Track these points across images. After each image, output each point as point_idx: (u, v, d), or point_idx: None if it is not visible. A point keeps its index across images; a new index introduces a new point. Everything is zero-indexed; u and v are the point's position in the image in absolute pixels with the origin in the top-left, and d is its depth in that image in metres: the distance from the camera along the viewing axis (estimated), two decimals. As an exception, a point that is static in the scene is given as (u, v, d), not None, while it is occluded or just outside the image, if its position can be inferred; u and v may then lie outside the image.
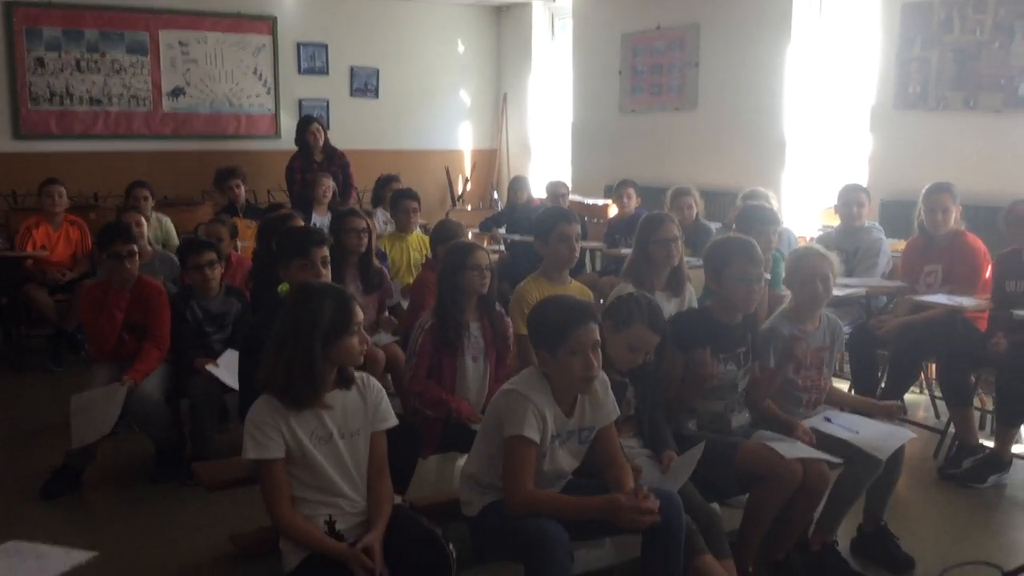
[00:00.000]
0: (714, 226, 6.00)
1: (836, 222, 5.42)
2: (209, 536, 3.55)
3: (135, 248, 4.30)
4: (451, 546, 2.42)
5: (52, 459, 4.09)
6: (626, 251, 4.92)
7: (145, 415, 4.02)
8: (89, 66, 7.97)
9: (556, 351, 2.54)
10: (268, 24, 8.69)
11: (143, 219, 5.72)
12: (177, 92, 8.36)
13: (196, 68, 8.41)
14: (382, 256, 5.28)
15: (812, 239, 5.73)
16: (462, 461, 3.38)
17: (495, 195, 9.82)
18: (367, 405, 2.56)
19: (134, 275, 4.28)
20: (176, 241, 6.31)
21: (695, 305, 3.92)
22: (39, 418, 5.06)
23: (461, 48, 9.80)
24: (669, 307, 3.73)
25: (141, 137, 8.20)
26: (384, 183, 7.31)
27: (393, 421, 2.61)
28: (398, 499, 2.62)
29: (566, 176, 8.71)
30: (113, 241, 4.24)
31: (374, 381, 2.62)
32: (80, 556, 1.73)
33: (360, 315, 2.49)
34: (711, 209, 6.45)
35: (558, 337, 2.53)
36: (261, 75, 8.71)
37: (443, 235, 4.73)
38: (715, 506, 2.97)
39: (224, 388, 4.00)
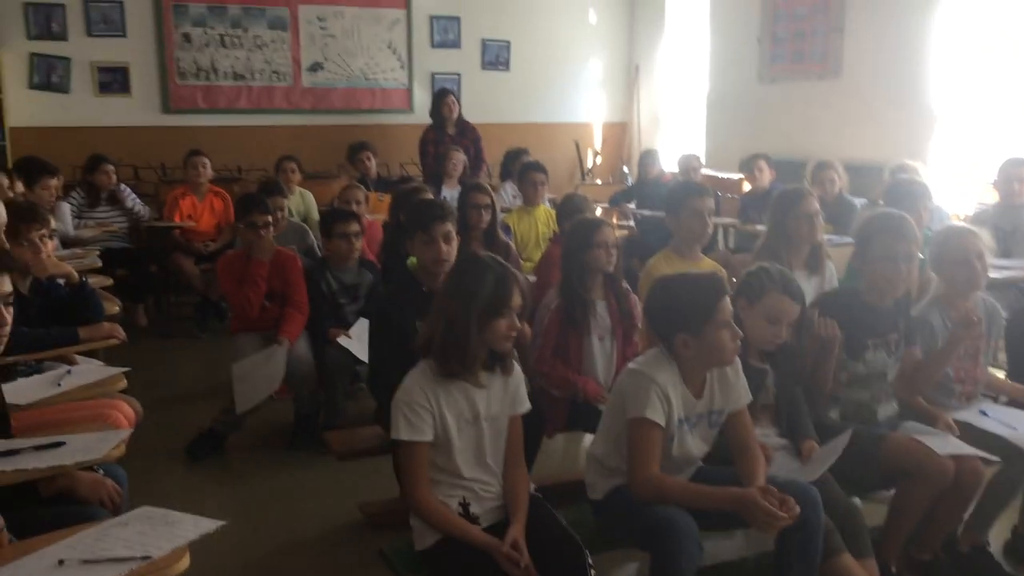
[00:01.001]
0: (859, 202, 5.70)
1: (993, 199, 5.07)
2: (338, 504, 3.63)
3: (271, 219, 4.43)
4: (589, 555, 2.35)
5: (197, 421, 4.28)
6: (761, 228, 4.73)
7: (301, 376, 4.15)
8: (233, 42, 8.23)
9: (702, 329, 2.43)
10: (402, -2, 8.77)
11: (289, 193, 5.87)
12: (316, 67, 8.54)
13: (333, 43, 8.57)
14: (507, 230, 5.26)
15: (966, 217, 5.37)
16: (588, 442, 3.33)
17: (625, 169, 9.65)
18: (508, 387, 2.53)
19: (272, 245, 4.42)
20: (316, 216, 6.48)
21: (835, 286, 3.73)
22: (185, 382, 5.31)
23: (593, 19, 9.64)
24: (808, 286, 3.55)
25: (281, 112, 8.43)
26: (513, 157, 7.30)
27: (528, 406, 2.58)
28: (532, 487, 2.58)
29: (700, 149, 8.47)
30: (251, 211, 4.37)
31: (515, 363, 2.59)
32: (209, 524, 1.76)
33: (517, 300, 2.43)
34: (855, 184, 6.13)
35: (705, 313, 2.42)
36: (395, 49, 8.81)
37: (569, 210, 4.66)
38: (856, 501, 2.81)
39: (356, 359, 4.08)
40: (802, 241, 3.68)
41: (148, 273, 6.37)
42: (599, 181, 9.43)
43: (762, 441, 2.69)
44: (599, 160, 9.70)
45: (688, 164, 7.19)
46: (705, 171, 7.59)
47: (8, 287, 2.23)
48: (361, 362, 3.99)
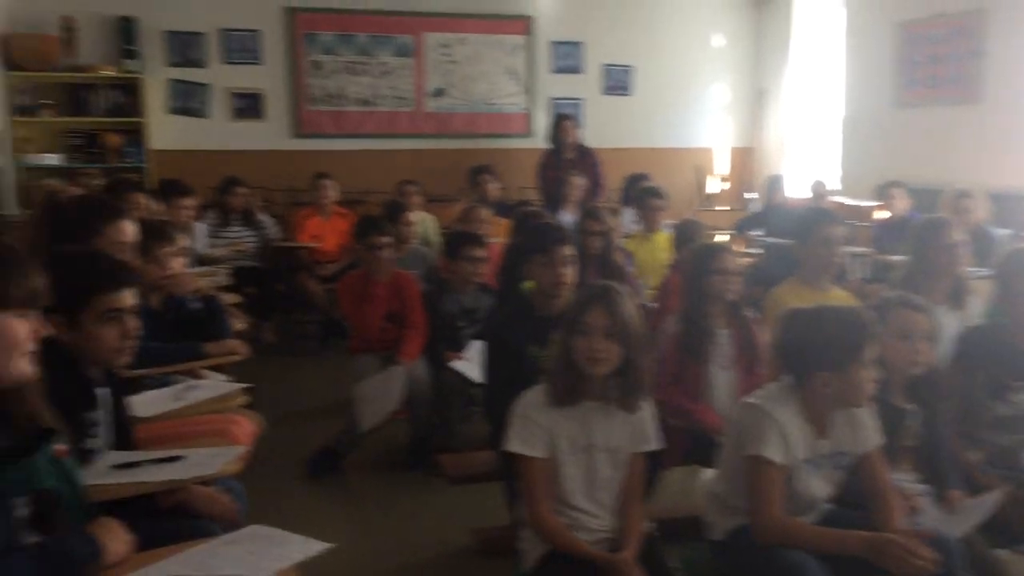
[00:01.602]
0: (1001, 232, 5.36)
1: None
2: (451, 529, 3.60)
3: (390, 240, 4.47)
4: None
5: (318, 438, 4.33)
6: (896, 258, 4.49)
7: (419, 397, 4.17)
8: (360, 69, 8.45)
9: (847, 368, 2.29)
10: (524, 24, 8.82)
11: (412, 215, 5.94)
12: (438, 93, 8.68)
13: (456, 69, 8.69)
14: (627, 256, 5.18)
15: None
16: (707, 476, 3.20)
17: (747, 195, 9.41)
18: (632, 422, 2.46)
19: (392, 266, 4.46)
20: (437, 239, 6.54)
21: (978, 322, 3.49)
22: (308, 399, 5.42)
23: (717, 43, 9.47)
24: (950, 321, 3.33)
25: (405, 136, 8.60)
26: (633, 182, 7.20)
27: (655, 444, 2.50)
28: (648, 523, 2.50)
29: (830, 175, 8.17)
30: (369, 233, 4.43)
31: (645, 401, 2.52)
32: (317, 547, 1.74)
33: (598, 319, 2.39)
34: (999, 213, 5.77)
35: (853, 351, 2.29)
36: (516, 74, 8.86)
37: (685, 236, 4.59)
38: (1002, 554, 2.59)
39: (471, 382, 4.06)
40: (943, 273, 3.47)
41: (275, 292, 6.55)
42: (724, 207, 9.22)
43: (901, 487, 2.51)
44: (727, 185, 9.49)
45: (819, 190, 6.96)
46: (839, 198, 7.31)
47: (135, 300, 2.29)
48: (476, 385, 3.97)
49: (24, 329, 1.61)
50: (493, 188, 7.17)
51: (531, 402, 2.46)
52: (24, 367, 1.63)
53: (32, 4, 7.38)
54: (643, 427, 2.48)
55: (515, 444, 2.41)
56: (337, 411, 4.64)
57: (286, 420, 4.92)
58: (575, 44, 9.00)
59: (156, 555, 1.73)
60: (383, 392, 4.08)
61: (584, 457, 2.43)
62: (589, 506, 2.45)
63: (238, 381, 5.03)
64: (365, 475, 4.24)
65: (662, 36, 9.23)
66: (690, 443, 3.19)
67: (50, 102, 7.45)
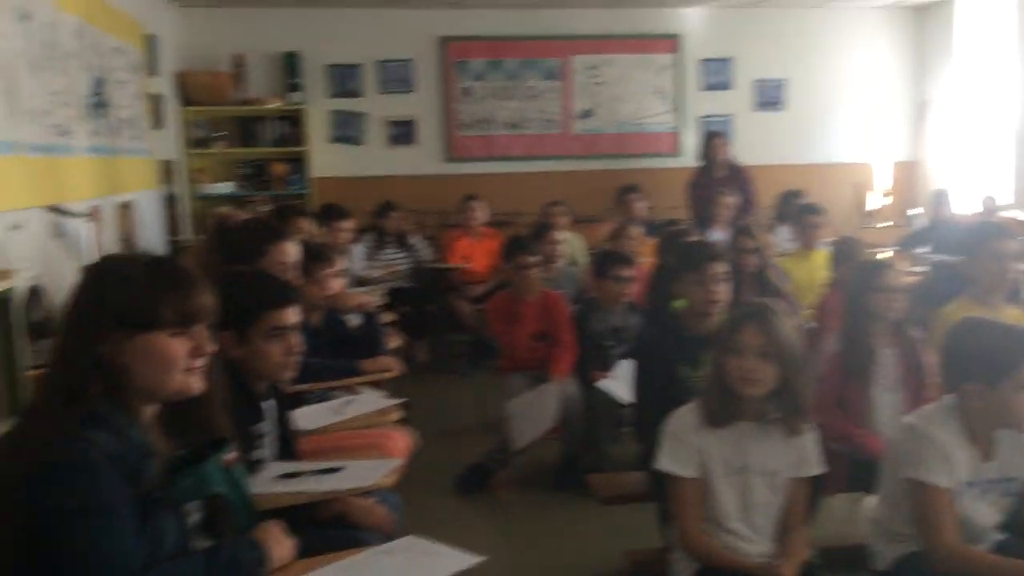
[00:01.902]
0: None
1: None
2: (601, 549, 3.57)
3: (537, 260, 4.51)
4: None
5: (468, 455, 4.40)
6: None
7: (572, 414, 4.17)
8: (509, 93, 8.59)
9: (999, 382, 2.16)
10: (672, 43, 8.75)
11: (560, 236, 5.98)
12: (586, 114, 8.72)
13: (604, 90, 8.71)
14: (782, 275, 5.02)
15: None
16: (870, 503, 3.05)
17: (914, 211, 8.95)
18: (793, 446, 2.39)
19: (539, 285, 4.50)
20: (584, 260, 6.55)
21: None
22: (459, 417, 5.51)
23: (875, 53, 9.09)
24: None
25: (552, 158, 8.67)
26: (787, 199, 7.01)
27: (818, 469, 2.41)
28: (810, 551, 2.41)
29: (1005, 189, 7.67)
30: (516, 254, 4.48)
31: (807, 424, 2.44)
32: (469, 560, 1.76)
33: (750, 338, 2.33)
34: None
35: (1007, 366, 2.16)
36: (664, 94, 8.79)
37: (843, 253, 4.43)
38: None
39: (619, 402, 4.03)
40: None
41: (427, 312, 6.72)
42: (886, 223, 8.81)
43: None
44: (890, 200, 9.06)
45: (987, 205, 6.56)
46: (1012, 213, 6.86)
47: (298, 318, 2.40)
48: (624, 405, 3.93)
49: (181, 347, 1.67)
50: (640, 207, 7.12)
51: (683, 421, 2.42)
52: (185, 382, 1.70)
53: (206, 44, 7.90)
54: (805, 451, 2.40)
55: (665, 462, 2.40)
56: (487, 429, 4.70)
57: (438, 437, 5.01)
58: (724, 60, 8.85)
59: (315, 562, 1.80)
60: (538, 409, 4.10)
61: (738, 480, 2.37)
62: (744, 530, 2.39)
63: (393, 397, 5.21)
64: (514, 493, 4.27)
65: (818, 49, 8.94)
66: (852, 469, 3.04)
67: (222, 135, 7.94)
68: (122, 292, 1.67)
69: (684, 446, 2.36)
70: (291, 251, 3.05)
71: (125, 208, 5.62)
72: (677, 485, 2.38)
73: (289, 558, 1.80)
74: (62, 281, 3.99)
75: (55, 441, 1.58)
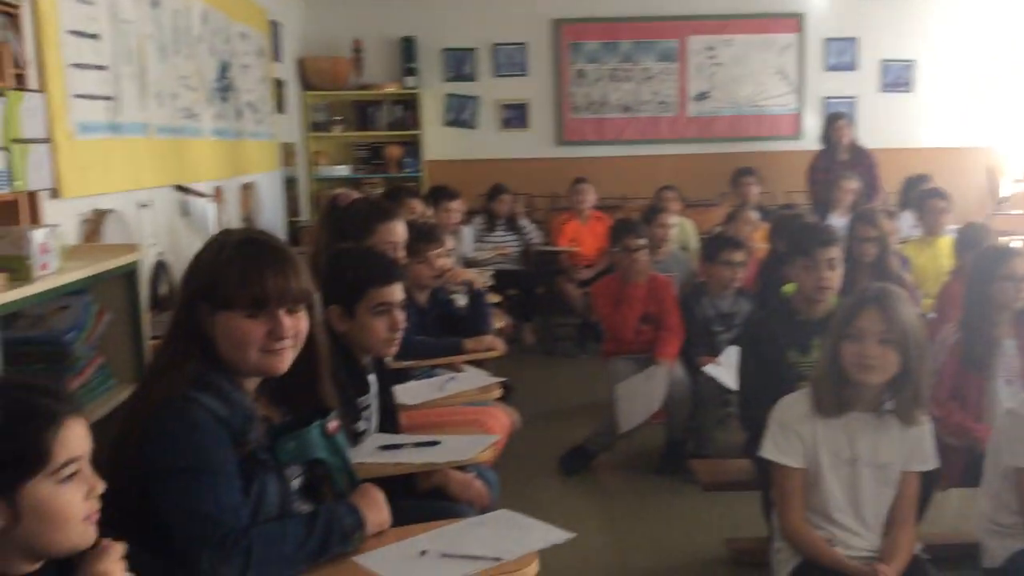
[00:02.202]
0: None
1: None
2: (702, 536, 3.53)
3: (645, 242, 4.47)
4: None
5: (571, 437, 4.40)
6: None
7: (678, 399, 4.13)
8: (623, 75, 8.51)
9: None
10: (795, 22, 8.47)
11: (670, 219, 5.91)
12: (702, 96, 8.55)
13: (721, 71, 8.52)
14: (903, 262, 4.83)
15: None
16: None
17: (1051, 197, 8.44)
18: (907, 438, 2.31)
19: (647, 268, 4.45)
20: (695, 245, 6.45)
21: None
22: (563, 399, 5.53)
23: (1010, 32, 8.57)
24: None
25: (666, 141, 8.54)
26: (913, 184, 6.72)
27: (931, 465, 2.33)
28: (918, 546, 2.32)
29: None
30: (624, 236, 4.45)
31: (924, 416, 2.36)
32: (560, 535, 1.77)
33: (867, 323, 2.25)
34: None
35: None
36: (785, 74, 8.53)
37: (968, 240, 4.22)
38: None
39: (726, 388, 3.96)
40: None
41: (535, 294, 6.75)
42: (1021, 211, 8.34)
43: None
44: (1022, 187, 8.57)
45: None
46: None
47: (402, 295, 2.45)
48: (731, 391, 3.86)
49: (256, 328, 1.70)
50: (755, 192, 6.95)
51: (791, 409, 2.37)
52: (264, 362, 1.73)
53: (326, 30, 8.11)
54: (920, 444, 2.31)
55: (771, 451, 2.36)
56: (591, 412, 4.70)
57: (541, 418, 5.05)
58: (850, 40, 8.52)
59: (410, 530, 1.83)
60: (645, 393, 4.08)
61: (848, 471, 2.31)
62: (852, 523, 2.33)
63: (496, 377, 5.26)
64: (616, 476, 4.26)
65: (948, 27, 8.50)
66: (968, 464, 2.91)
67: (340, 118, 8.14)
68: (208, 270, 1.74)
69: (792, 435, 2.32)
70: (398, 230, 3.10)
71: (247, 189, 5.84)
72: (782, 474, 2.34)
73: (385, 524, 1.85)
74: (186, 257, 4.19)
75: (164, 403, 1.67)
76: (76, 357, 2.48)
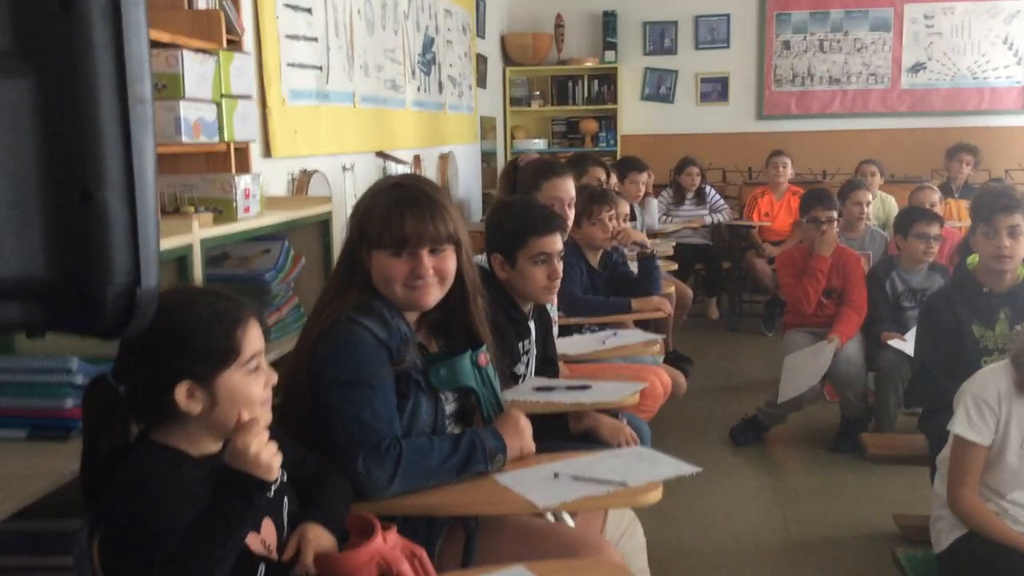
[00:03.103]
0: None
1: None
2: (870, 511, 3.44)
3: (834, 215, 4.35)
4: None
5: (745, 410, 4.37)
6: None
7: (846, 377, 4.04)
8: (831, 46, 8.18)
9: None
10: (1029, -14, 7.83)
11: (868, 195, 5.68)
12: (917, 68, 8.08)
13: (939, 41, 8.01)
14: None
15: None
16: None
17: None
18: None
19: (834, 241, 4.34)
20: (896, 223, 6.15)
21: None
22: (743, 374, 5.47)
23: None
24: None
25: (875, 115, 8.15)
26: None
27: None
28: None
29: None
30: (814, 207, 4.34)
31: None
32: (688, 469, 1.83)
33: None
34: None
35: None
36: (1011, 44, 7.90)
37: None
38: None
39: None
40: None
41: (721, 269, 6.68)
42: None
43: None
44: None
45: None
46: None
47: (560, 246, 2.57)
48: (913, 368, 3.72)
49: (400, 267, 1.86)
50: (965, 170, 6.53)
51: (988, 385, 2.28)
52: (409, 297, 1.89)
53: (529, 6, 8.32)
54: None
55: (962, 427, 2.28)
56: (769, 388, 4.63)
57: (718, 391, 5.05)
58: (1092, 3, 7.78)
59: (549, 457, 1.96)
60: (809, 366, 3.99)
61: None
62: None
63: (682, 354, 5.29)
64: (787, 450, 4.21)
65: None
66: None
67: (538, 93, 8.35)
68: (363, 212, 1.93)
69: (987, 411, 2.25)
70: (564, 188, 3.19)
71: (444, 159, 6.15)
72: (965, 449, 2.28)
73: (527, 451, 1.97)
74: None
75: (332, 324, 1.87)
76: (274, 295, 2.77)
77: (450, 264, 1.93)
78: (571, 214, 3.24)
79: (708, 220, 6.77)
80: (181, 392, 1.43)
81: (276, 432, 1.69)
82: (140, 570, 1.34)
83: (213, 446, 1.51)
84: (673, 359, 4.84)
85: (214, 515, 1.37)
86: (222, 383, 1.46)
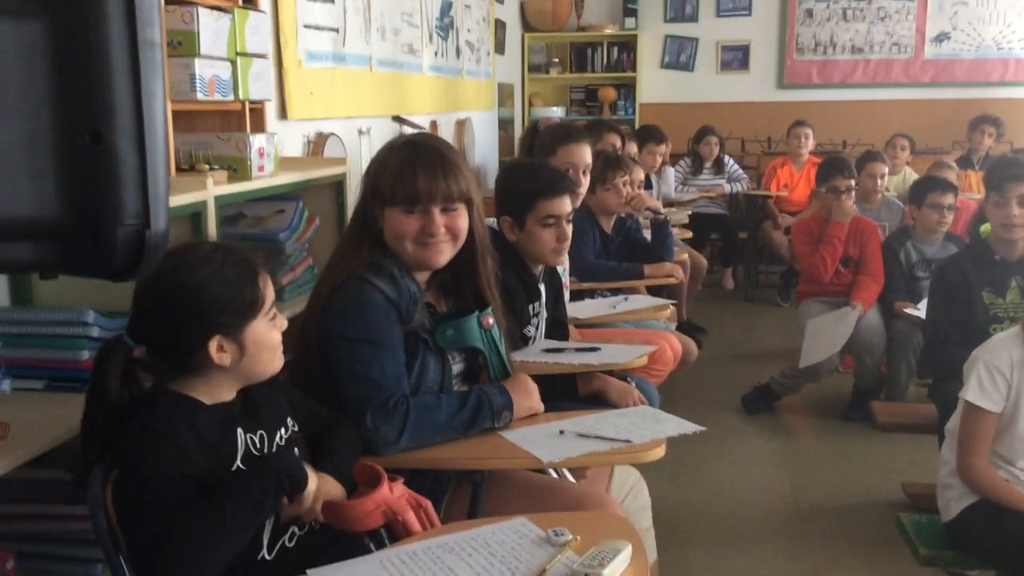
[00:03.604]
0: None
1: None
2: (879, 479, 3.46)
3: (851, 184, 4.33)
4: None
5: (758, 379, 4.39)
6: None
7: (868, 344, 4.04)
8: (855, 15, 8.07)
9: None
10: (1057, -46, 7.69)
11: (884, 168, 5.63)
12: (941, 37, 7.97)
13: (964, 11, 7.89)
14: None
15: None
16: None
17: None
18: None
19: (852, 209, 4.32)
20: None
21: None
22: (757, 344, 5.49)
23: None
24: None
25: (897, 85, 8.05)
26: None
27: None
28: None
29: None
30: (832, 175, 4.33)
31: None
32: (691, 427, 1.86)
33: None
34: None
35: None
36: (1040, 12, 7.78)
37: None
38: None
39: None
40: None
41: (737, 240, 6.66)
42: None
43: None
44: None
45: None
46: None
47: (569, 208, 2.58)
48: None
49: (411, 223, 1.88)
50: (987, 142, 6.46)
51: (1000, 352, 2.27)
52: (420, 255, 1.90)
53: (549, -29, 8.25)
54: None
55: (973, 394, 2.27)
56: (783, 357, 4.66)
57: (731, 359, 5.06)
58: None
59: (557, 416, 1.98)
60: (832, 332, 4.00)
61: None
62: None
63: (696, 324, 5.30)
64: (799, 419, 4.23)
65: None
66: None
67: (557, 60, 8.30)
68: (375, 169, 1.95)
69: (999, 378, 2.24)
70: (580, 153, 3.19)
71: (461, 124, 6.14)
72: (975, 416, 2.27)
73: (534, 410, 2.00)
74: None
75: (343, 282, 1.90)
76: (288, 254, 2.79)
77: (462, 222, 1.94)
78: (586, 181, 3.24)
79: (727, 189, 6.73)
80: (213, 347, 1.48)
81: (287, 386, 1.73)
82: (149, 512, 1.37)
83: (227, 395, 1.55)
84: (686, 328, 4.85)
85: (240, 498, 1.40)
86: (249, 334, 1.51)
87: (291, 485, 1.46)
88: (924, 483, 3.20)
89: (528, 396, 2.01)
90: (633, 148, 5.20)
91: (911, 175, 6.38)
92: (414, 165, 1.89)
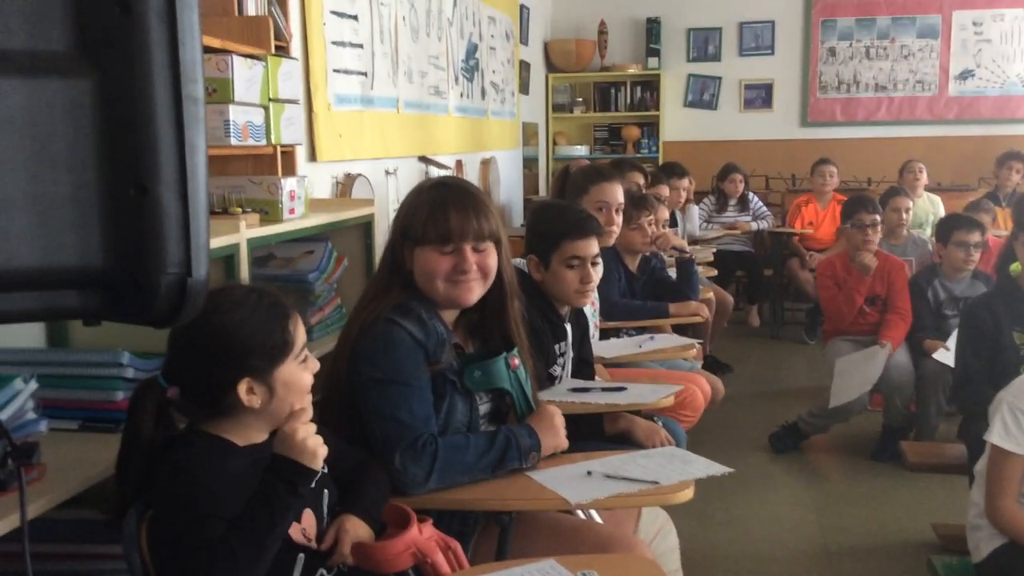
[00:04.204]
0: None
1: None
2: (909, 520, 3.42)
3: (877, 220, 4.32)
4: None
5: (785, 417, 4.35)
6: None
7: (897, 383, 4.00)
8: (878, 53, 8.10)
9: None
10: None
11: (908, 202, 5.62)
12: (965, 75, 7.97)
13: (988, 48, 7.90)
14: None
15: None
16: None
17: None
18: None
19: (873, 262, 4.29)
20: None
21: None
22: (784, 382, 5.45)
23: None
24: None
25: (921, 123, 8.05)
26: None
27: None
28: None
29: None
30: (858, 211, 4.32)
31: None
32: (719, 469, 1.85)
33: None
34: None
35: None
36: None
37: None
38: None
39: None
40: None
41: (763, 277, 6.64)
42: None
43: None
44: None
45: None
46: None
47: (595, 250, 2.59)
48: (955, 376, 3.68)
49: (443, 262, 1.90)
50: (1015, 179, 6.43)
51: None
52: (451, 293, 1.92)
53: (573, 12, 8.36)
54: None
55: (999, 436, 2.25)
56: (810, 395, 4.62)
57: (757, 397, 5.03)
58: None
59: (584, 456, 1.98)
60: (862, 371, 3.97)
61: None
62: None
63: (721, 361, 5.28)
64: (827, 458, 4.19)
65: None
66: None
67: (581, 100, 8.37)
68: (407, 210, 1.98)
69: (1022, 419, 2.22)
70: (611, 192, 3.20)
71: (486, 164, 6.21)
72: (1004, 459, 2.25)
73: (560, 447, 2.00)
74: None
75: (371, 324, 1.92)
76: (317, 295, 2.83)
77: (491, 261, 1.96)
78: (619, 220, 3.25)
79: (754, 227, 6.73)
80: (243, 389, 1.50)
81: (317, 426, 1.74)
82: (186, 554, 1.39)
83: (259, 436, 1.57)
84: (711, 366, 4.84)
85: (260, 503, 1.42)
86: (279, 376, 1.53)
87: (296, 474, 1.46)
88: (955, 524, 3.14)
89: (555, 434, 2.01)
90: (665, 190, 5.22)
91: (935, 200, 6.40)
92: (446, 204, 1.92)
